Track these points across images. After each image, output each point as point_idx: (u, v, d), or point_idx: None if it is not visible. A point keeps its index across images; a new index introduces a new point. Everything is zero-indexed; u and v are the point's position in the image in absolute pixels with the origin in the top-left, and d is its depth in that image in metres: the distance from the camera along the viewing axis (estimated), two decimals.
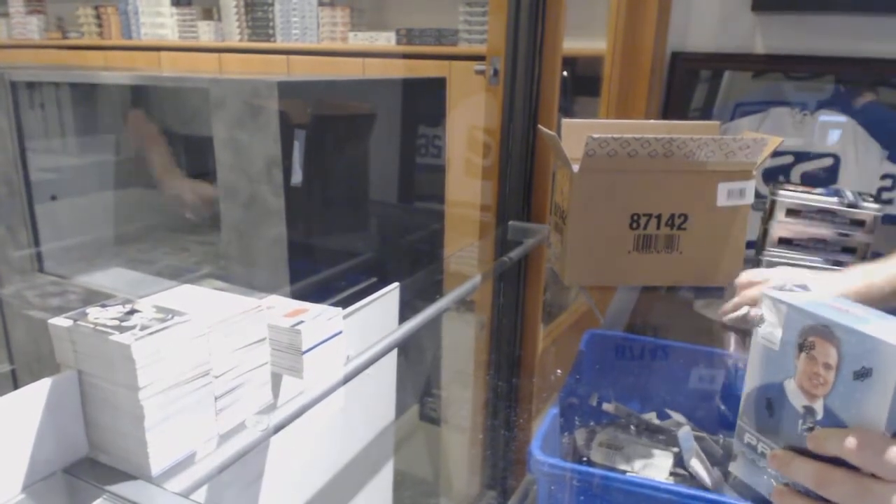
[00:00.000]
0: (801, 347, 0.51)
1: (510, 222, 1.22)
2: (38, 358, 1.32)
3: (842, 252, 0.99)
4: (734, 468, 0.56)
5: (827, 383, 0.48)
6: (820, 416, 0.49)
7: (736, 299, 0.86)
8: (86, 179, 1.42)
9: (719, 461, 0.90)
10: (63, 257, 1.33)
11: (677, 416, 0.99)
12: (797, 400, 0.51)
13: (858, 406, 0.46)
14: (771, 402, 0.53)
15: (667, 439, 0.91)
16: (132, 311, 0.51)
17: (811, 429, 0.50)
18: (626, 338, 1.08)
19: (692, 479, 0.86)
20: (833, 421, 0.48)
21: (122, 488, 0.47)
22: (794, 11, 1.44)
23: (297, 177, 0.99)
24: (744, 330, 0.88)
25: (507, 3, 1.13)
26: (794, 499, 0.50)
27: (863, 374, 0.45)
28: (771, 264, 0.99)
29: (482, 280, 0.96)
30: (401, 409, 1.01)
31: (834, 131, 1.47)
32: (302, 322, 0.60)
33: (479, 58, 1.28)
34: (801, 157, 1.50)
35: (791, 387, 0.52)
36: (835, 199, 0.97)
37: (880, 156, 1.44)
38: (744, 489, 0.64)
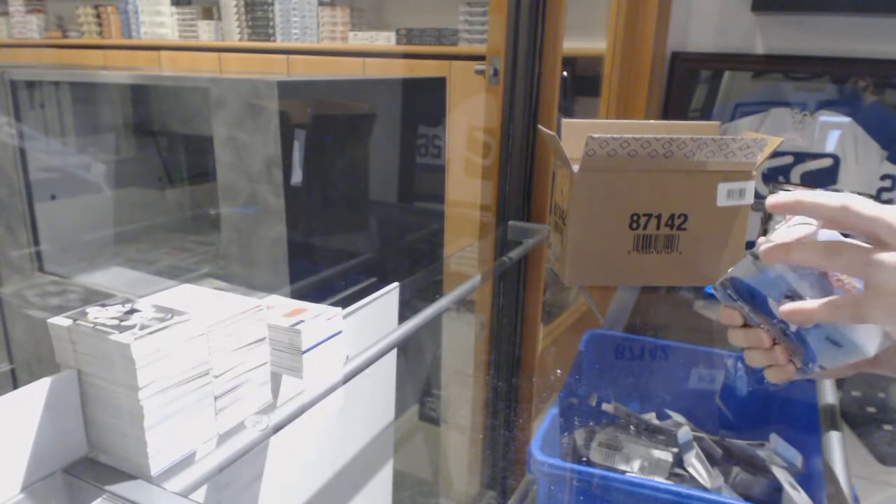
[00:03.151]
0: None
1: (510, 222, 1.22)
2: (37, 358, 1.32)
3: None
4: (714, 292, 0.59)
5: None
6: (793, 329, 0.54)
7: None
8: (86, 179, 1.42)
9: (719, 461, 0.90)
10: (63, 257, 1.33)
11: (677, 416, 0.99)
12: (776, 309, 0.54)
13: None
14: (754, 296, 0.56)
15: (666, 439, 0.91)
16: (132, 311, 0.51)
17: (783, 331, 0.54)
18: (626, 338, 1.08)
19: (691, 479, 0.86)
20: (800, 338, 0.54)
21: (122, 488, 0.47)
22: (794, 11, 1.44)
23: (297, 177, 0.98)
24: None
25: (507, 3, 1.13)
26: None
27: None
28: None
29: (482, 280, 0.96)
30: (401, 409, 1.01)
31: (834, 132, 1.47)
32: (302, 322, 0.60)
33: (479, 58, 1.28)
34: (800, 157, 1.50)
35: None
36: None
37: (880, 156, 1.44)
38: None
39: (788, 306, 0.51)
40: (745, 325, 0.58)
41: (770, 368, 0.57)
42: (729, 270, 0.57)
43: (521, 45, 1.15)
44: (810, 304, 0.49)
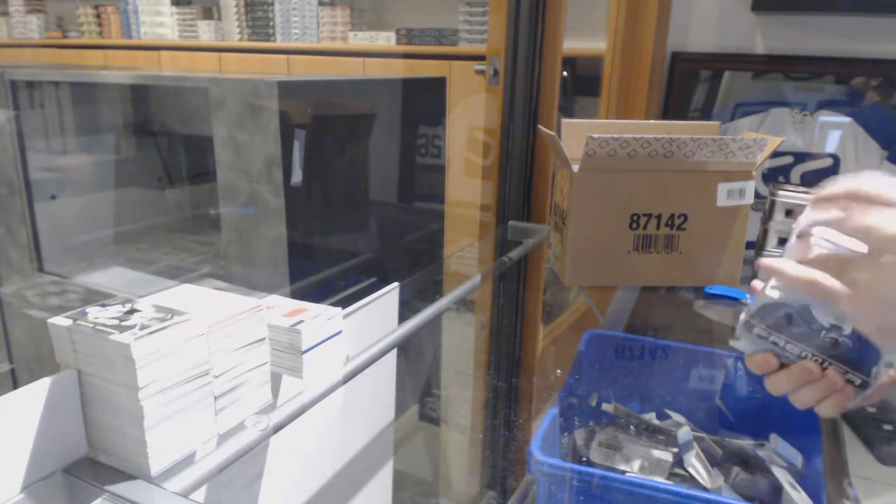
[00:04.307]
0: None
1: (510, 222, 1.22)
2: (38, 358, 1.32)
3: None
4: (735, 343, 0.56)
5: None
6: (848, 331, 0.51)
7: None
8: (86, 179, 1.42)
9: (719, 461, 0.90)
10: (63, 257, 1.32)
11: (677, 416, 0.99)
12: (824, 318, 0.52)
13: None
14: (791, 316, 0.53)
15: (666, 439, 0.91)
16: (132, 311, 0.51)
17: (835, 341, 0.52)
18: (626, 338, 1.08)
19: (691, 480, 0.86)
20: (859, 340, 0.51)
21: (122, 488, 0.47)
22: (794, 11, 1.44)
23: (297, 177, 0.98)
24: None
25: (507, 3, 1.13)
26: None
27: None
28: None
29: (482, 280, 0.96)
30: (401, 409, 1.01)
31: (834, 132, 1.47)
32: (302, 322, 0.60)
33: (479, 58, 1.28)
34: (800, 157, 1.50)
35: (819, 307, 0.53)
36: None
37: (880, 156, 1.44)
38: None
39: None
40: (783, 366, 0.53)
41: (823, 402, 0.51)
42: (747, 311, 0.54)
43: (521, 45, 1.15)
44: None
